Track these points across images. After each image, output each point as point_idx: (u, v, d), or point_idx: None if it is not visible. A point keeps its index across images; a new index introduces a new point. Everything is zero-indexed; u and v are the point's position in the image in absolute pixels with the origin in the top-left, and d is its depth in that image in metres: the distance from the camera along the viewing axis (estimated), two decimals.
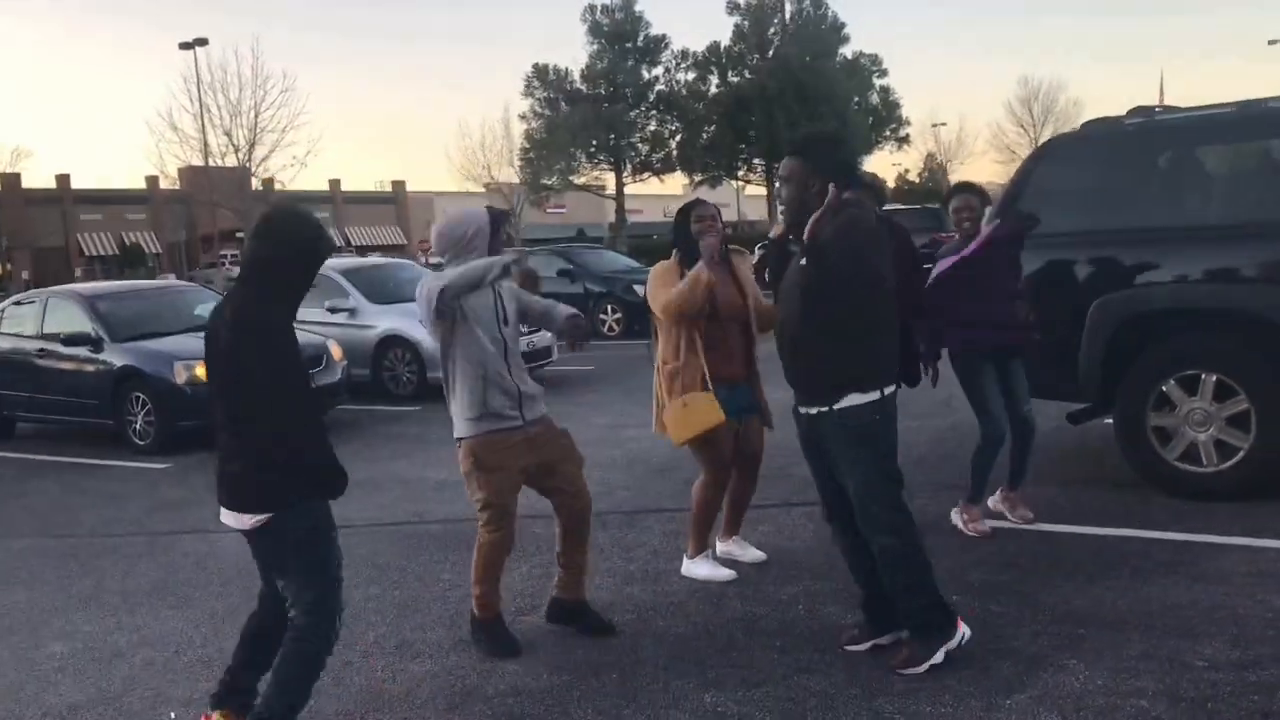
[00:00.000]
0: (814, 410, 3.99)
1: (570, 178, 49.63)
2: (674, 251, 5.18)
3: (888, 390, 3.93)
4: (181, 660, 4.73)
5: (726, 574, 5.19)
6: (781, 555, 5.45)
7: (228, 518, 3.57)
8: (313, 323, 12.47)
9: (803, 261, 3.85)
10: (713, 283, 4.93)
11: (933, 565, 4.02)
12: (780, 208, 4.04)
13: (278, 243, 3.47)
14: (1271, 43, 58.51)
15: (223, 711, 3.74)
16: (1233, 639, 4.01)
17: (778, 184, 4.03)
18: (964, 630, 3.99)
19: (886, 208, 5.87)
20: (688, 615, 4.76)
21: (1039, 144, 6.67)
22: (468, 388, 4.37)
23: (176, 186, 52.98)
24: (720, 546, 5.44)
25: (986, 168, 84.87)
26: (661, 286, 5.05)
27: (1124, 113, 6.32)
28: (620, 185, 50.55)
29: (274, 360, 3.41)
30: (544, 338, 12.04)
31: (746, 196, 61.52)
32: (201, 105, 40.15)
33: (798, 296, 3.91)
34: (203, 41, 39.57)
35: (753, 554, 5.42)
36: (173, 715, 4.16)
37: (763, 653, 4.27)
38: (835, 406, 3.91)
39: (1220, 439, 5.66)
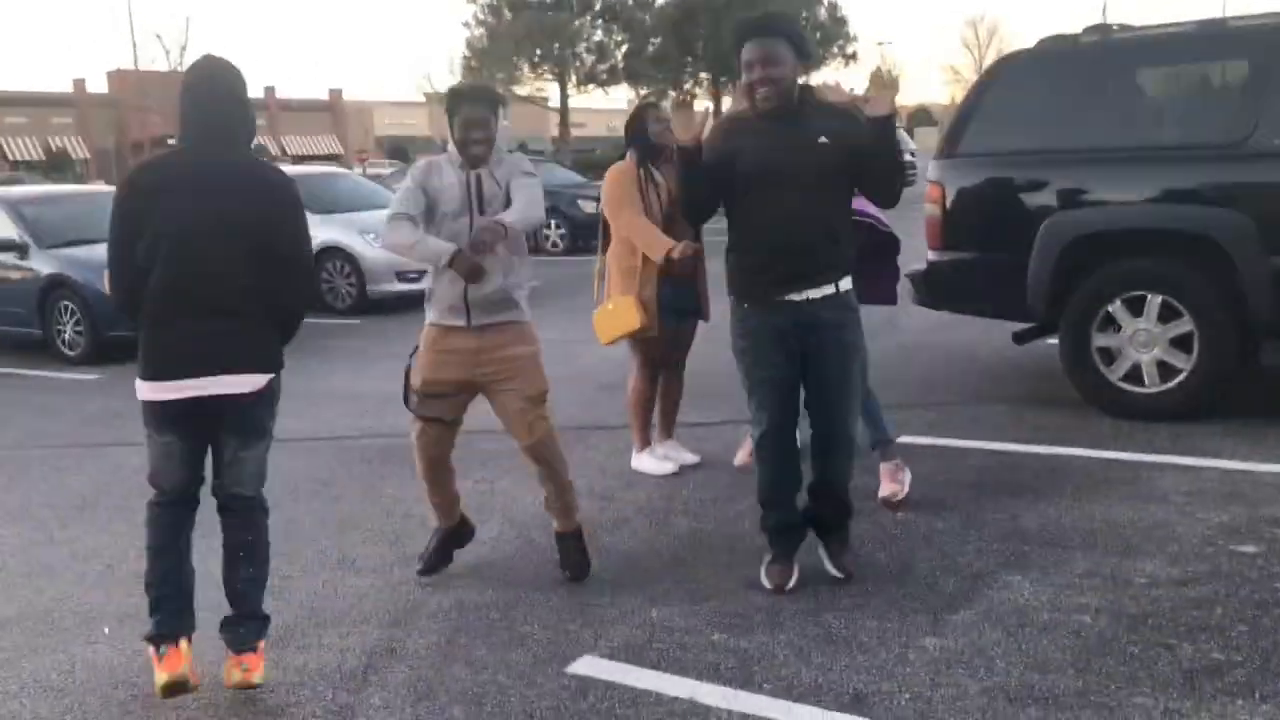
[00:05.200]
0: (819, 294, 3.81)
1: (513, 88, 48.70)
2: (629, 152, 5.15)
3: None
4: (115, 575, 4.61)
5: (669, 467, 5.44)
6: (726, 471, 5.43)
7: (229, 383, 3.35)
8: None
9: (822, 140, 3.69)
10: (684, 255, 4.86)
11: None
12: (762, 93, 3.71)
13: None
14: None
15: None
16: (1171, 557, 4.07)
17: (757, 67, 3.70)
18: None
19: None
20: (634, 531, 4.73)
21: (993, 62, 6.58)
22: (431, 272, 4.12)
23: (104, 90, 51.31)
24: (659, 449, 5.57)
25: (932, 90, 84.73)
26: (624, 197, 5.03)
27: (1080, 30, 6.24)
28: (564, 97, 49.69)
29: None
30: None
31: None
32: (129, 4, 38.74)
33: (817, 173, 3.74)
34: None
35: (687, 456, 5.57)
36: (106, 630, 4.05)
37: (709, 568, 4.26)
38: (840, 286, 3.83)
39: (1163, 360, 5.71)
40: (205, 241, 3.33)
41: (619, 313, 5.11)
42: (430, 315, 4.15)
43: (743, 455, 5.43)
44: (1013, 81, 6.20)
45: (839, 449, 3.96)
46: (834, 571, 4.03)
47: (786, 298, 3.81)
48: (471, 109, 3.94)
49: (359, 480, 5.74)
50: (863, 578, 4.04)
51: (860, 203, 4.28)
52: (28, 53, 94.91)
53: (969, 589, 3.91)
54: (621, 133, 5.39)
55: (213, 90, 3.46)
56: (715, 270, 5.50)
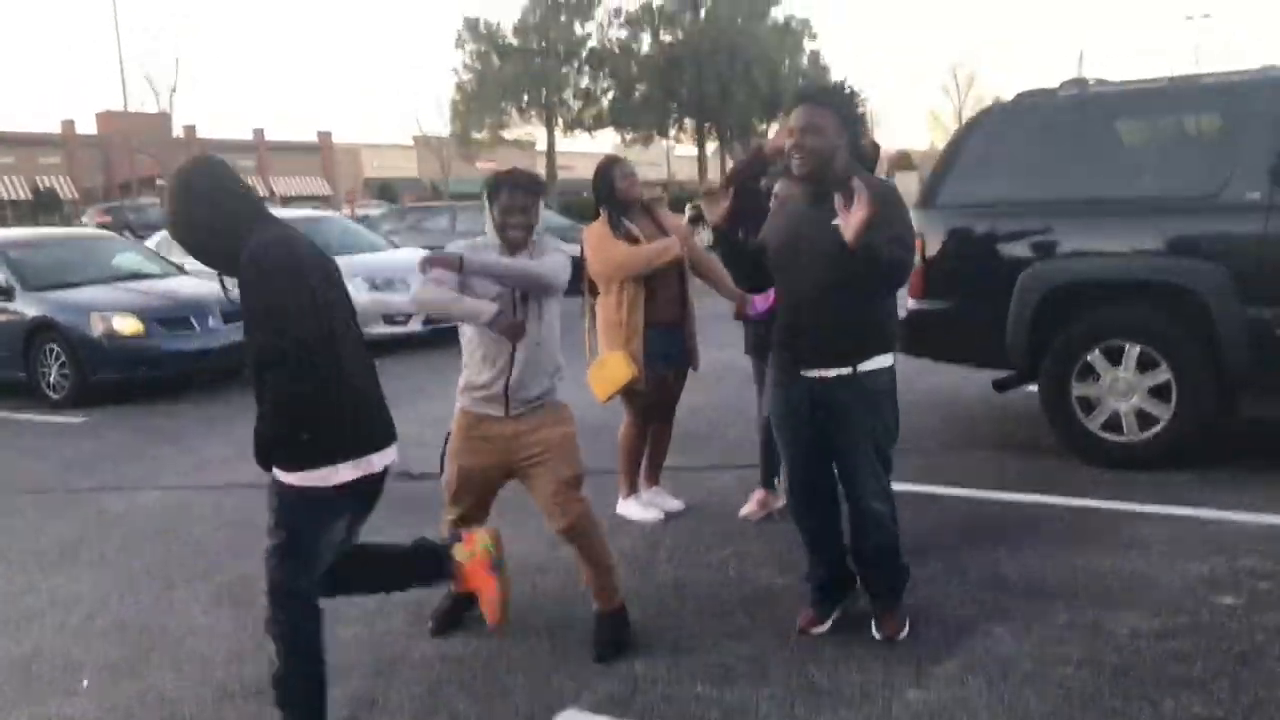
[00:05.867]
0: (831, 374, 3.78)
1: (501, 132, 49.04)
2: (600, 211, 5.25)
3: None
4: (96, 624, 4.59)
5: (655, 515, 5.46)
6: (711, 519, 5.44)
7: (391, 455, 3.37)
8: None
9: (835, 222, 3.55)
10: (679, 257, 4.99)
11: None
12: (796, 161, 3.70)
13: None
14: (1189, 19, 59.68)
15: None
16: (1153, 607, 4.09)
17: (796, 133, 3.67)
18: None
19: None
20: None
21: (974, 114, 6.69)
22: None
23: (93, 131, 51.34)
24: (645, 495, 5.60)
25: (913, 136, 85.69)
26: (608, 247, 5.14)
27: (1058, 84, 6.35)
28: (551, 141, 50.07)
29: None
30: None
31: (676, 156, 61.36)
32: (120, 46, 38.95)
33: (829, 258, 3.61)
34: None
35: (671, 503, 5.59)
36: (85, 682, 4.03)
37: (693, 618, 4.27)
38: (860, 369, 3.77)
39: (1142, 409, 5.76)
40: None
41: (610, 367, 5.15)
42: (462, 401, 4.12)
43: (751, 505, 5.45)
44: (991, 133, 6.30)
45: (862, 522, 3.93)
46: (875, 633, 3.97)
47: (802, 374, 3.84)
48: (511, 196, 3.95)
49: None
50: (846, 627, 4.05)
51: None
52: (16, 93, 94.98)
53: (952, 639, 3.92)
54: None
55: None
56: (703, 319, 5.58)
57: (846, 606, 4.13)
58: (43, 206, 52.11)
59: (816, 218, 3.71)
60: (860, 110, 3.81)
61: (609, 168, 5.29)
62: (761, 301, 4.98)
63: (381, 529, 5.56)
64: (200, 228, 3.16)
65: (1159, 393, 5.71)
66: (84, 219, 34.16)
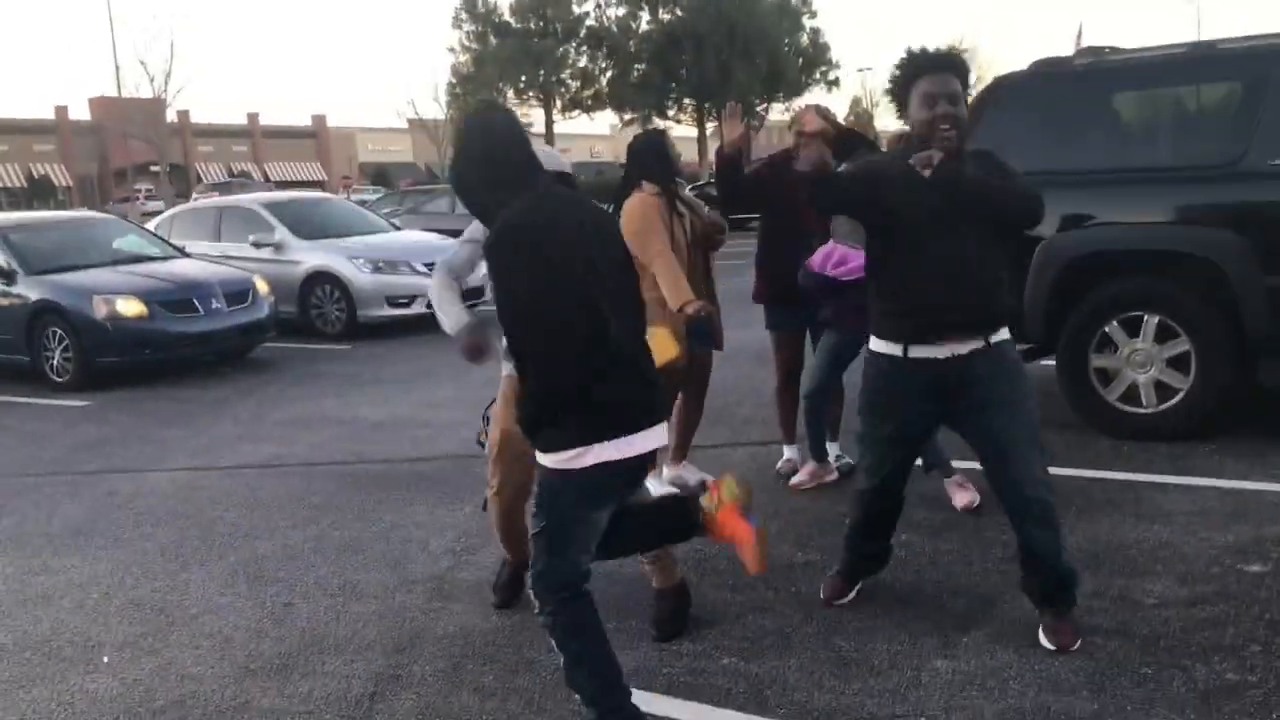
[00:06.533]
0: (966, 349, 3.49)
1: None
2: (647, 184, 5.02)
3: None
4: (113, 604, 4.55)
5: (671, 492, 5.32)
6: None
7: (656, 438, 3.12)
8: (236, 258, 12.14)
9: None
10: (695, 314, 4.77)
11: None
12: (946, 133, 3.37)
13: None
14: None
15: None
16: (1179, 577, 4.06)
17: (942, 101, 3.38)
18: None
19: None
20: (639, 555, 4.68)
21: (985, 85, 6.60)
22: None
23: (87, 117, 51.04)
24: (668, 472, 5.53)
25: None
26: (650, 229, 4.88)
27: (1073, 52, 6.29)
28: (549, 122, 49.89)
29: None
30: (476, 276, 11.81)
31: (676, 137, 61.11)
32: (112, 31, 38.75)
33: (973, 225, 3.42)
34: None
35: (694, 479, 5.50)
36: (105, 659, 3.99)
37: (715, 592, 4.24)
38: (993, 340, 3.51)
39: (1160, 380, 5.72)
40: None
41: (658, 344, 4.99)
42: (505, 367, 4.04)
43: (802, 475, 5.47)
44: (1007, 104, 6.22)
45: (1038, 515, 3.58)
46: (1045, 643, 3.58)
47: (937, 354, 3.53)
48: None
49: (355, 506, 5.69)
50: (870, 599, 4.02)
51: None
52: (10, 79, 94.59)
53: (977, 610, 3.89)
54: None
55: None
56: (725, 296, 5.53)
57: (866, 580, 4.10)
58: (37, 193, 51.95)
59: (932, 184, 3.42)
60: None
61: (660, 140, 5.14)
62: (823, 262, 4.84)
63: (390, 509, 5.56)
64: (471, 189, 3.06)
65: (1178, 363, 5.66)
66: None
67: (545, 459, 3.02)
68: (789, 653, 3.67)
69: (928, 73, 3.45)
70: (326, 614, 4.28)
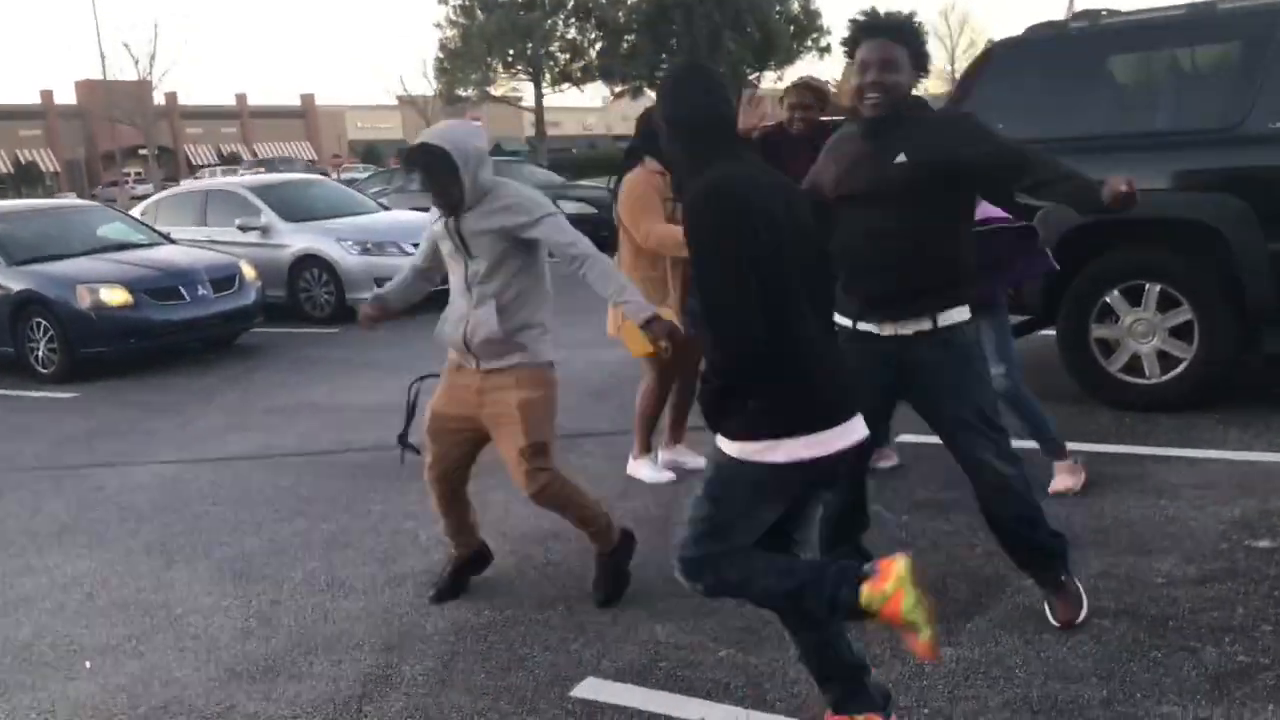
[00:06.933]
0: (910, 329, 3.40)
1: (487, 89, 48.46)
2: (650, 160, 4.93)
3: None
4: (96, 604, 4.45)
5: (667, 476, 5.35)
6: None
7: (856, 434, 2.82)
8: (223, 242, 11.99)
9: (900, 159, 3.28)
10: None
11: None
12: (872, 99, 3.31)
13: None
14: None
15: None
16: (1187, 554, 3.96)
17: (873, 69, 3.29)
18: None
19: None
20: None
21: (981, 50, 6.46)
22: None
23: (73, 101, 50.62)
24: (664, 455, 5.46)
25: None
26: (645, 207, 4.85)
27: (1068, 16, 6.14)
28: (539, 97, 49.46)
29: None
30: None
31: None
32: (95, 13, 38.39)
33: (900, 197, 3.30)
34: None
35: (695, 461, 5.38)
36: (88, 664, 3.89)
37: None
38: (941, 322, 3.39)
39: (1163, 350, 5.61)
40: None
41: (628, 337, 4.89)
42: (451, 354, 4.05)
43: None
44: (1004, 69, 6.08)
45: (1005, 489, 3.46)
46: (1052, 620, 3.53)
47: (880, 331, 3.46)
48: (425, 177, 3.81)
49: (344, 497, 5.58)
50: None
51: (982, 209, 4.08)
52: None
53: (981, 595, 3.80)
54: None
55: None
56: None
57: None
58: (24, 179, 51.61)
59: (874, 155, 3.37)
60: (927, 48, 3.43)
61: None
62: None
63: (380, 499, 5.45)
64: (689, 133, 2.83)
65: (1180, 333, 5.55)
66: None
67: (726, 444, 2.79)
68: (787, 644, 3.54)
69: (867, 38, 3.38)
70: (314, 612, 4.18)
